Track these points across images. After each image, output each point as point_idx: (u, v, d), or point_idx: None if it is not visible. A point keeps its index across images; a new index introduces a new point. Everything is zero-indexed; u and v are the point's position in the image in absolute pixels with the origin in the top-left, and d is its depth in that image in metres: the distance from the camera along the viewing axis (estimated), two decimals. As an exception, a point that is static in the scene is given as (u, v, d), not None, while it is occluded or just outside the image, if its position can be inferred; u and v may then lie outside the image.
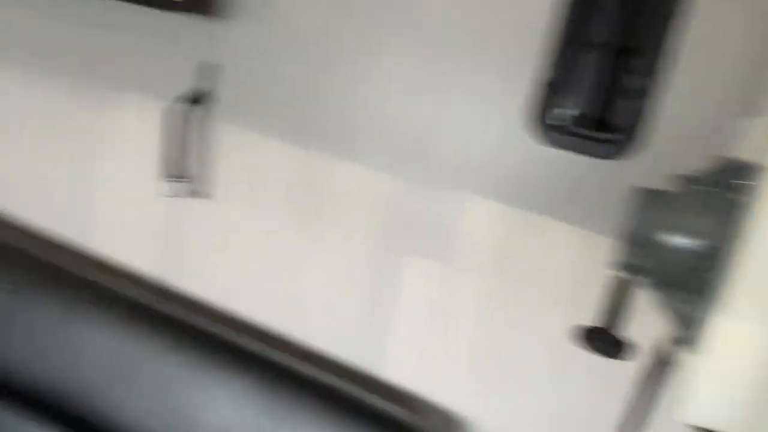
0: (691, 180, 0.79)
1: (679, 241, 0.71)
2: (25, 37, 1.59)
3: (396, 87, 1.22)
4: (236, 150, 1.38)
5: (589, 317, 0.99)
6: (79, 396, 1.31)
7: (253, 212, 1.38)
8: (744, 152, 0.76)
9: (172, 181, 1.35)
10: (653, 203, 0.76)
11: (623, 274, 0.79)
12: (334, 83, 1.27)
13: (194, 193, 1.41)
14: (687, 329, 0.71)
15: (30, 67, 1.59)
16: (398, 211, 1.24)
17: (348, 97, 1.26)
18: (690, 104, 1.00)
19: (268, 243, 1.37)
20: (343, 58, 1.26)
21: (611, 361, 0.87)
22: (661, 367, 0.87)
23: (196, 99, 1.37)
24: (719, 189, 0.73)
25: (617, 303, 0.84)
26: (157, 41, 1.43)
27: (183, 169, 1.37)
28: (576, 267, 1.13)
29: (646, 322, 0.93)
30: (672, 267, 0.72)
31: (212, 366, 1.25)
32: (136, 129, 1.46)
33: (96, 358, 1.31)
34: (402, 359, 1.28)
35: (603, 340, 0.86)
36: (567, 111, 1.07)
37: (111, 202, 1.52)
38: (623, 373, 1.08)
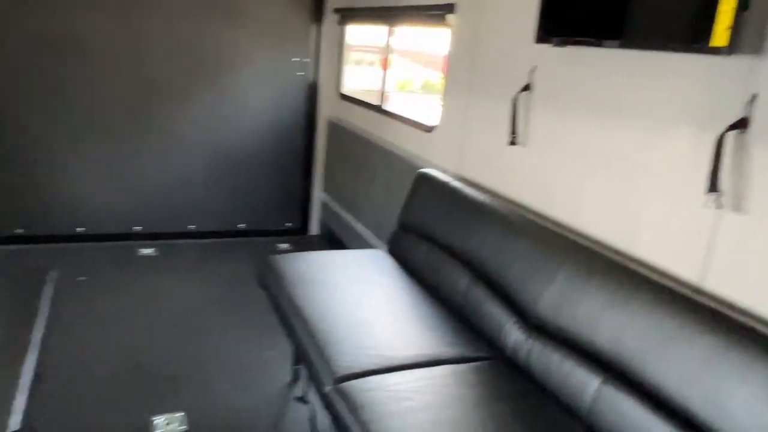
0: None
1: None
2: (590, 92, 2.13)
3: None
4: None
5: None
6: (619, 357, 1.69)
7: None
8: None
9: (715, 196, 1.62)
10: None
11: None
12: None
13: (731, 207, 1.64)
14: None
15: (598, 114, 2.12)
16: None
17: None
18: None
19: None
20: None
21: None
22: None
23: (737, 126, 1.60)
24: None
25: None
26: (701, 80, 1.73)
27: (723, 186, 1.62)
28: None
29: None
30: None
31: (737, 357, 1.43)
32: (683, 154, 1.79)
33: (637, 331, 1.67)
34: None
35: None
36: None
37: (656, 213, 1.89)
38: None
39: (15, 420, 1.52)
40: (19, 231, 4.07)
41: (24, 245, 4.06)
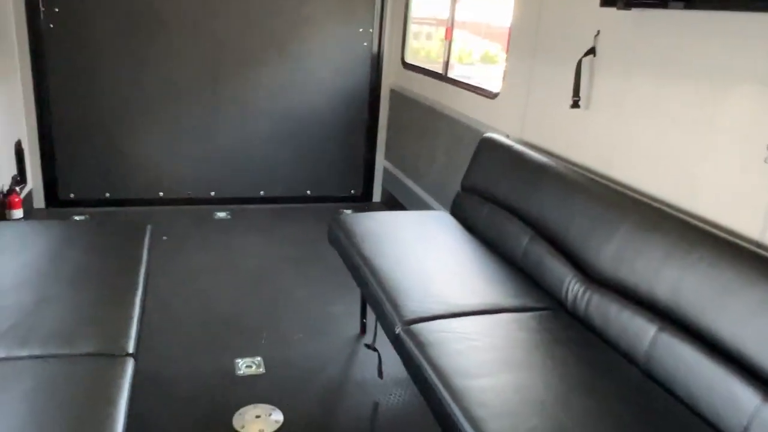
0: None
1: None
2: (654, 54, 2.17)
3: None
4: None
5: None
6: (676, 305, 1.77)
7: None
8: None
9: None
10: None
11: None
12: None
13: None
14: None
15: (662, 76, 2.17)
16: None
17: None
18: None
19: None
20: None
21: None
22: None
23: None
24: None
25: None
26: (766, 38, 1.76)
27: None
28: None
29: None
30: None
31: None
32: (747, 112, 1.83)
33: (695, 281, 1.74)
34: None
35: None
36: None
37: (718, 170, 1.94)
38: None
39: (131, 344, 1.76)
40: (107, 195, 4.42)
41: (111, 208, 4.41)
